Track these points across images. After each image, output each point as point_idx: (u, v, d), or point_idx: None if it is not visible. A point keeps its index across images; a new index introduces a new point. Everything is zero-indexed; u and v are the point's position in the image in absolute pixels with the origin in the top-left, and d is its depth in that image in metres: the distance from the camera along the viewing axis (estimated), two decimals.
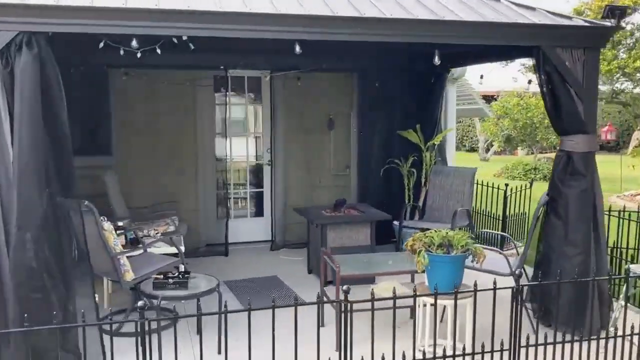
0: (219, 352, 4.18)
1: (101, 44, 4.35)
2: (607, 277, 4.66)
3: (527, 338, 3.84)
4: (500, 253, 5.01)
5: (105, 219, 4.60)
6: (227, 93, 7.42)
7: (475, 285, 3.88)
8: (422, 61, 6.01)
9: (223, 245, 7.41)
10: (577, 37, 4.65)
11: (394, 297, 3.65)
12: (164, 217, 6.51)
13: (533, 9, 4.68)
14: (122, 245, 5.40)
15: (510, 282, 4.31)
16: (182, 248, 5.57)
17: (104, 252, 4.52)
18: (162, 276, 4.40)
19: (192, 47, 4.36)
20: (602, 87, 14.72)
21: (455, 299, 3.86)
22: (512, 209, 7.84)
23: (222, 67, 7.20)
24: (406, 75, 7.30)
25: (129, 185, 7.15)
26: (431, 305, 4.21)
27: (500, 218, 7.73)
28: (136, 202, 7.03)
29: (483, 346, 3.73)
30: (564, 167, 4.83)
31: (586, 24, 4.67)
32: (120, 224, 5.49)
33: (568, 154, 4.81)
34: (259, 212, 8.06)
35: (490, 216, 8.07)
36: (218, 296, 4.39)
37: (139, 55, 4.20)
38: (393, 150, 7.67)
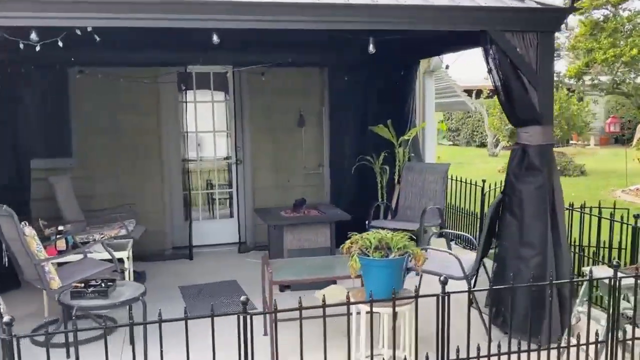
0: None
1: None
2: (566, 281, 4.27)
3: (478, 348, 3.49)
4: (451, 254, 4.66)
5: (27, 223, 4.36)
6: (186, 90, 7.18)
7: (417, 290, 3.56)
8: (391, 54, 5.70)
9: (188, 249, 7.16)
10: (528, 20, 4.28)
11: (323, 306, 3.33)
12: (120, 221, 6.27)
13: None
14: (59, 251, 5.20)
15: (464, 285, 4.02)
16: (126, 253, 5.33)
17: (27, 258, 4.28)
18: (83, 285, 4.14)
19: (98, 39, 3.99)
20: (603, 78, 14.15)
21: (394, 306, 3.54)
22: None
23: (181, 64, 6.94)
24: (375, 68, 6.95)
25: (90, 187, 6.97)
26: (367, 313, 3.91)
27: (479, 217, 7.35)
28: (98, 204, 6.83)
29: (427, 357, 3.40)
30: (518, 161, 4.47)
31: (537, 6, 4.30)
32: (60, 228, 5.25)
33: (523, 147, 4.45)
34: (228, 214, 7.80)
35: (470, 215, 7.70)
36: (142, 306, 4.12)
37: (37, 48, 3.87)
38: (365, 147, 7.34)
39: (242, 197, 7.58)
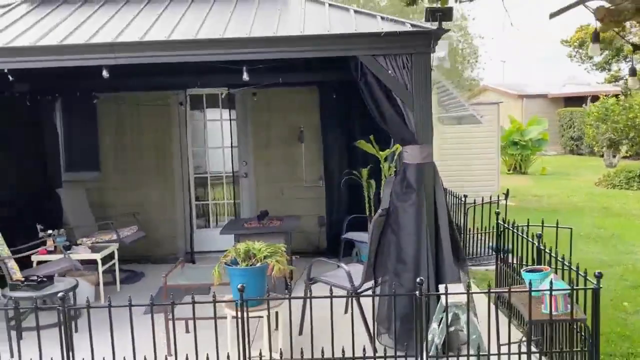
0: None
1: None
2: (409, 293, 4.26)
3: (342, 350, 3.75)
4: (341, 267, 4.88)
5: None
6: (187, 111, 8.00)
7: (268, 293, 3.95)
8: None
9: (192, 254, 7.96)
10: (399, 43, 4.42)
11: (193, 303, 3.81)
12: (123, 228, 7.20)
13: (347, 9, 4.56)
14: (48, 251, 6.20)
15: None
16: (98, 255, 6.20)
17: None
18: (23, 279, 5.04)
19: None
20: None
21: (242, 310, 3.95)
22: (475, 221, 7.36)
23: (182, 87, 7.78)
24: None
25: (110, 197, 8.05)
26: (233, 317, 4.31)
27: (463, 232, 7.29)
28: (115, 212, 7.87)
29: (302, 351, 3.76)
30: (400, 180, 4.62)
31: (406, 29, 4.42)
32: (49, 231, 6.26)
33: (405, 165, 4.59)
34: None
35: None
36: (73, 298, 4.93)
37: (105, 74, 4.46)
38: (355, 161, 7.65)
39: (247, 208, 8.21)
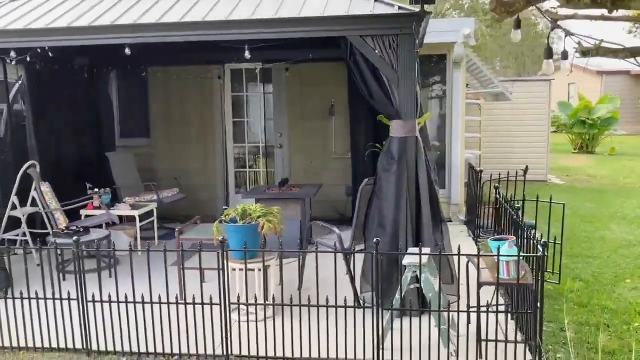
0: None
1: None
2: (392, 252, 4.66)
3: (326, 299, 4.23)
4: (334, 231, 5.34)
5: (45, 182, 6.24)
6: (225, 84, 8.63)
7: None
8: None
9: None
10: (385, 25, 4.77)
11: (200, 251, 4.44)
12: (165, 190, 7.99)
13: None
14: (95, 207, 7.06)
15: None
16: (136, 212, 6.99)
17: (45, 207, 6.17)
18: (64, 229, 5.87)
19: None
20: None
21: (246, 263, 4.56)
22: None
23: (221, 62, 8.40)
24: None
25: (158, 162, 8.88)
26: (232, 270, 4.89)
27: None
28: (162, 175, 8.69)
29: (291, 298, 4.34)
30: (385, 151, 5.00)
31: (392, 12, 4.75)
32: (97, 190, 7.11)
33: (390, 139, 4.97)
34: None
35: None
36: (109, 243, 5.73)
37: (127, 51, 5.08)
38: (380, 135, 7.98)
39: (280, 176, 8.78)
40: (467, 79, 10.34)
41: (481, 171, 7.43)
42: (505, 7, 3.08)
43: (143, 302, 4.25)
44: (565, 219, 6.06)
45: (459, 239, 7.13)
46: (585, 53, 3.20)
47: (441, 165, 8.39)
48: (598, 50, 3.23)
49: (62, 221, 6.25)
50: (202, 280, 4.67)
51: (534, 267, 3.95)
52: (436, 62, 8.28)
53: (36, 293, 4.39)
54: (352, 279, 5.11)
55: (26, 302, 4.42)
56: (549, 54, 3.71)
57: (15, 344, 4.45)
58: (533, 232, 4.50)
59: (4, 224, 6.38)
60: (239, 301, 4.46)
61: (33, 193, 6.39)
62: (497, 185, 6.27)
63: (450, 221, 8.31)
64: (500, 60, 27.15)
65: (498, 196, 5.95)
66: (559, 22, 3.22)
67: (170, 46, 5.37)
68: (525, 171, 7.75)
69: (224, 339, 4.20)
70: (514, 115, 12.67)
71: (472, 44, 7.88)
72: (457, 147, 8.27)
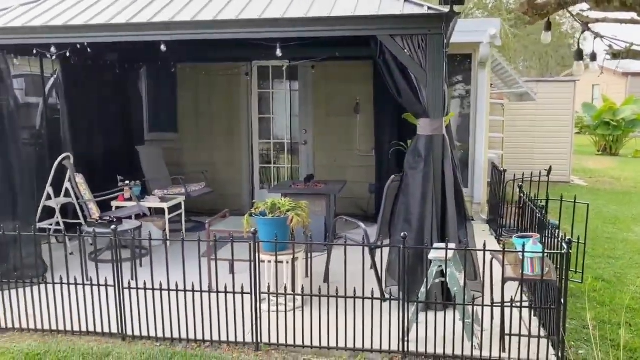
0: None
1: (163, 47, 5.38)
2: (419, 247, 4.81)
3: (354, 290, 4.37)
4: (359, 226, 5.46)
5: (78, 174, 6.45)
6: (252, 81, 8.79)
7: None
8: None
9: None
10: (415, 25, 4.86)
11: (232, 241, 4.58)
12: (193, 183, 8.18)
13: None
14: (126, 199, 7.25)
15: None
16: (165, 204, 7.17)
17: (79, 197, 6.39)
18: (97, 219, 6.07)
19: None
20: None
21: (276, 255, 4.71)
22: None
23: (248, 59, 8.55)
24: None
25: (185, 156, 9.08)
26: (268, 261, 5.01)
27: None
28: (188, 169, 8.89)
29: (320, 289, 4.48)
30: (412, 149, 5.10)
31: (421, 12, 4.85)
32: (127, 182, 7.31)
33: (417, 136, 5.07)
34: None
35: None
36: (139, 232, 5.92)
37: (163, 48, 5.24)
38: (404, 133, 8.08)
39: (304, 172, 8.92)
40: (491, 78, 10.38)
41: (504, 171, 7.49)
42: (537, 9, 3.17)
43: (177, 290, 4.41)
44: (588, 220, 6.10)
45: (481, 237, 7.19)
46: (615, 55, 3.26)
47: (464, 164, 8.46)
48: (628, 53, 3.30)
49: (95, 211, 6.46)
50: (233, 272, 4.82)
51: (559, 264, 4.03)
52: (461, 61, 8.35)
53: (75, 279, 4.58)
54: (377, 273, 5.24)
55: (65, 287, 4.61)
56: (579, 55, 3.78)
57: (54, 328, 4.65)
58: (557, 231, 4.57)
59: (39, 213, 6.61)
60: (269, 291, 4.61)
61: (67, 184, 6.61)
62: (520, 184, 6.33)
63: (473, 220, 8.38)
64: (524, 60, 26.98)
65: (522, 195, 6.02)
66: (589, 25, 3.29)
67: (200, 43, 5.51)
68: (549, 171, 7.79)
69: (254, 327, 4.35)
70: (538, 116, 12.67)
71: (497, 44, 7.94)
72: (481, 147, 8.33)
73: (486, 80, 8.25)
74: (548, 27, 3.60)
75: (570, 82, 12.50)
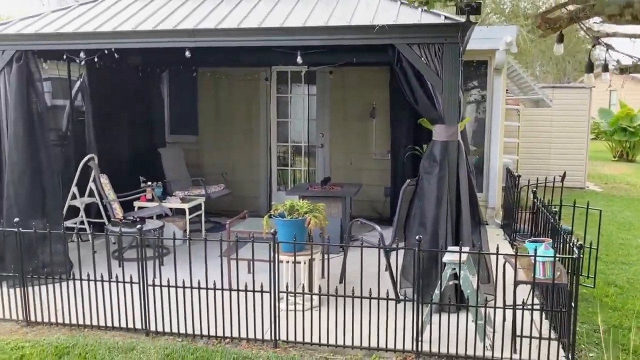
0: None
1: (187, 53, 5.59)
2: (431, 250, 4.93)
3: (369, 291, 4.52)
4: (374, 229, 5.60)
5: (103, 174, 6.67)
6: (271, 86, 8.98)
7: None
8: None
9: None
10: (432, 33, 5.01)
11: (252, 241, 4.77)
12: (212, 185, 8.38)
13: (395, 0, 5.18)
14: (148, 200, 7.46)
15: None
16: (186, 205, 7.37)
17: (103, 197, 6.61)
18: (122, 219, 6.28)
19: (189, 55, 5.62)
20: None
21: (295, 255, 4.89)
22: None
23: (268, 64, 8.74)
24: None
25: (204, 158, 9.29)
26: (287, 262, 5.17)
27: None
28: (207, 170, 9.10)
29: (336, 289, 4.65)
30: (428, 154, 5.24)
31: (438, 21, 4.99)
32: (149, 183, 7.52)
33: (433, 142, 5.21)
34: None
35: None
36: (159, 232, 6.12)
37: (187, 54, 5.52)
38: (420, 137, 8.21)
39: (321, 175, 9.08)
40: (507, 84, 10.47)
41: (519, 176, 7.58)
42: (549, 23, 3.29)
43: (199, 288, 4.59)
44: (602, 226, 6.17)
45: (495, 241, 7.30)
46: (623, 70, 3.37)
47: (479, 169, 8.56)
48: (636, 68, 3.41)
49: (118, 211, 6.67)
50: (252, 271, 4.97)
51: (570, 268, 4.15)
52: (477, 68, 8.47)
53: (101, 276, 4.78)
54: (392, 275, 5.38)
55: (91, 284, 4.81)
56: (590, 68, 3.90)
57: (81, 322, 4.85)
58: (569, 236, 4.68)
59: (64, 213, 6.83)
60: (287, 289, 4.77)
61: (91, 184, 6.83)
62: (534, 189, 6.43)
63: (487, 224, 8.47)
64: (541, 65, 26.89)
65: (535, 200, 6.12)
66: (600, 39, 3.41)
67: (221, 49, 5.69)
68: (563, 177, 7.88)
69: (272, 325, 4.51)
70: (553, 122, 12.72)
71: (513, 52, 8.04)
72: (496, 152, 8.43)
73: (501, 86, 8.36)
74: (560, 39, 3.72)
75: (586, 88, 12.52)
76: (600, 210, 5.85)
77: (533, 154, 12.58)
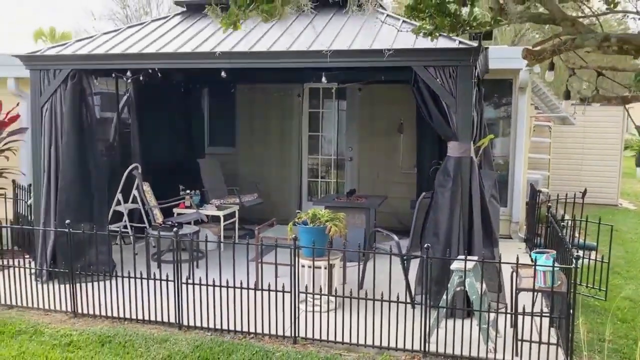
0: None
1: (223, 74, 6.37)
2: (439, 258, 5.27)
3: (381, 294, 4.91)
4: (392, 239, 5.97)
5: (145, 182, 7.24)
6: (303, 102, 9.47)
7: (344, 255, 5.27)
8: None
9: None
10: (446, 56, 5.38)
11: (276, 246, 5.26)
12: (246, 194, 8.89)
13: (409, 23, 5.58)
14: (186, 207, 8.01)
15: None
16: (221, 212, 7.88)
17: (145, 203, 7.19)
18: (161, 223, 6.83)
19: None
20: None
21: (313, 260, 5.32)
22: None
23: (300, 82, 9.24)
24: None
25: (240, 169, 9.84)
26: (308, 267, 5.60)
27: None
28: (243, 181, 9.63)
29: (351, 292, 5.10)
30: (442, 169, 5.59)
31: (452, 46, 5.36)
32: (188, 191, 8.07)
33: (447, 158, 5.56)
34: None
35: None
36: (196, 236, 6.64)
37: (223, 74, 6.31)
38: (444, 153, 8.51)
39: (349, 187, 9.49)
40: (536, 101, 10.69)
41: (539, 191, 7.82)
42: (534, 55, 3.64)
43: (227, 287, 5.06)
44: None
45: (516, 254, 7.54)
46: (582, 100, 3.66)
47: (504, 184, 8.82)
48: (594, 98, 3.72)
49: (159, 217, 7.23)
50: (276, 273, 5.43)
51: (569, 278, 4.44)
52: (502, 86, 8.73)
53: (140, 273, 5.30)
54: (407, 281, 5.74)
55: (132, 282, 5.33)
56: (567, 95, 4.21)
57: (121, 315, 5.38)
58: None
59: (109, 217, 7.44)
60: (306, 290, 5.19)
61: (134, 191, 7.42)
62: (549, 204, 6.68)
63: (511, 238, 8.72)
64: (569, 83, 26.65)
65: (548, 215, 6.38)
66: (575, 71, 3.73)
67: (257, 68, 6.19)
68: (584, 194, 8.07)
69: (292, 323, 4.94)
70: (585, 138, 12.81)
71: (536, 71, 8.30)
72: (520, 168, 8.67)
73: (526, 104, 8.61)
74: (551, 67, 4.05)
75: (620, 106, 12.57)
76: (612, 226, 6.06)
77: (564, 170, 12.69)
